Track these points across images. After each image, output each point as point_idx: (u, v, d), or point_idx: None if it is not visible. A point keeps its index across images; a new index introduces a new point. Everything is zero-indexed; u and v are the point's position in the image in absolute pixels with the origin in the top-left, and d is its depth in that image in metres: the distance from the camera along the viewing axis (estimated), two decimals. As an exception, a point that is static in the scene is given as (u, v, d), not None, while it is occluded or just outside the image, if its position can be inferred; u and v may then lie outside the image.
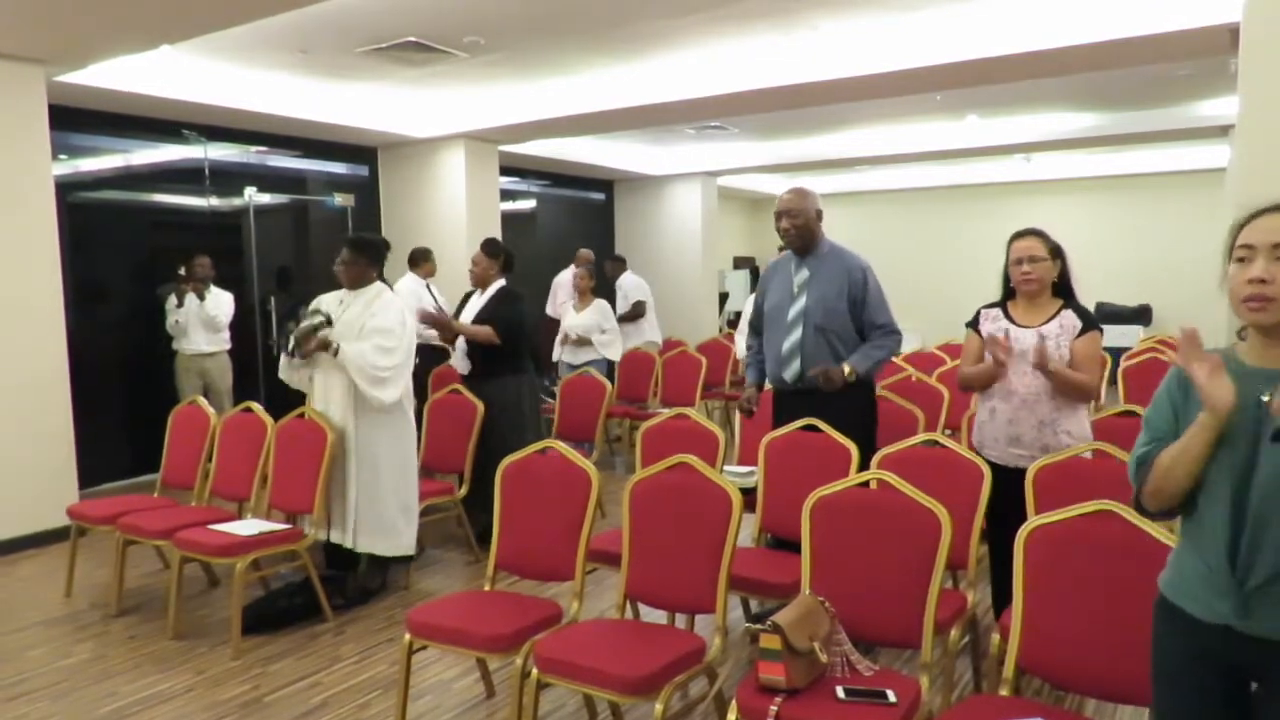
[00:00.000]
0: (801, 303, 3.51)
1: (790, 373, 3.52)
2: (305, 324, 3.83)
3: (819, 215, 3.55)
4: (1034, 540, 2.17)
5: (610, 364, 6.79)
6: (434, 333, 5.18)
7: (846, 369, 3.41)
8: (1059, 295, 3.06)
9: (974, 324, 3.15)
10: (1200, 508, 1.57)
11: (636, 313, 7.95)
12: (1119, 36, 5.09)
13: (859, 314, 3.50)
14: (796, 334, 3.50)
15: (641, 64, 6.37)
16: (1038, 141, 9.11)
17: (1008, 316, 3.08)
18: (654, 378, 7.08)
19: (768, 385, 3.76)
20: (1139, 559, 1.96)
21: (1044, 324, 2.99)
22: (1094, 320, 2.98)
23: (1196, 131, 8.51)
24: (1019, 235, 3.06)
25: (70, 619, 3.95)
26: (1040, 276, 2.99)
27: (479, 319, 4.73)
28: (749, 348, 3.87)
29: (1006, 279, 3.11)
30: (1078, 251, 3.25)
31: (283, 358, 4.00)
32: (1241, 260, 1.53)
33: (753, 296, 5.50)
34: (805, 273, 3.54)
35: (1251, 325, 1.54)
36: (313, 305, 4.01)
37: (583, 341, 6.66)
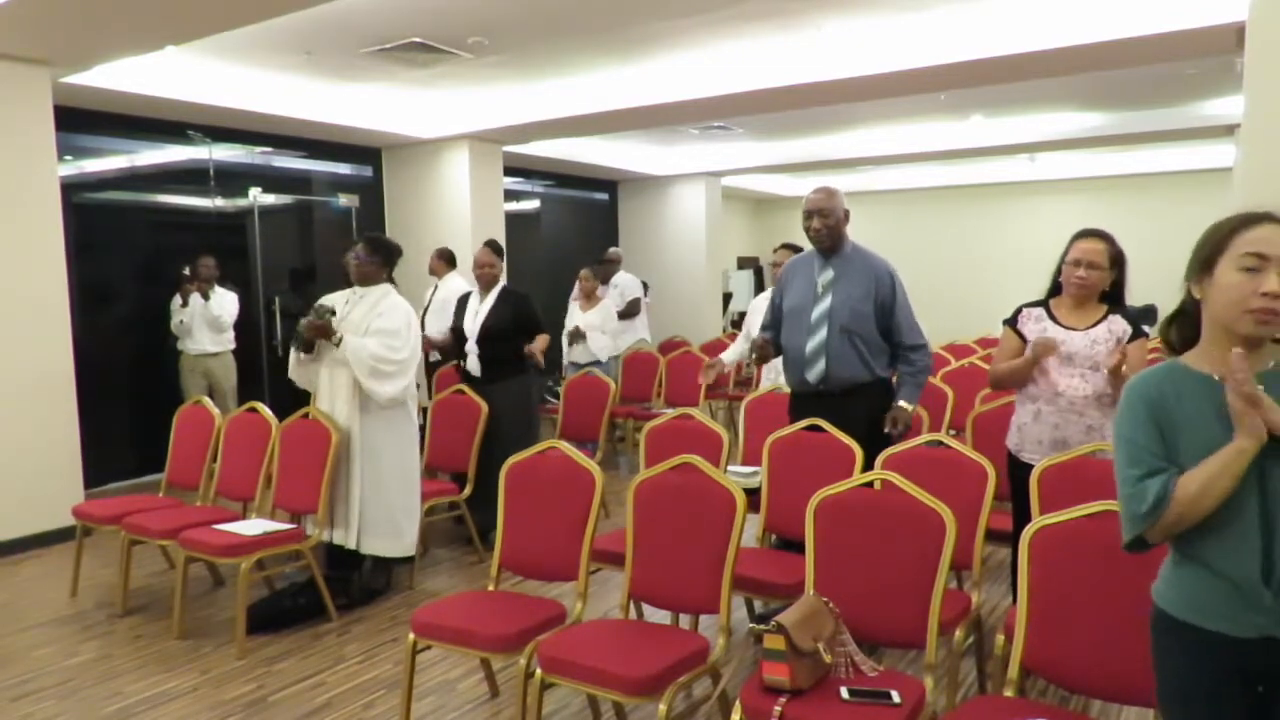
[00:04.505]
0: (826, 303, 3.44)
1: (814, 374, 3.43)
2: (310, 318, 3.86)
3: (846, 215, 3.49)
4: (1038, 541, 2.16)
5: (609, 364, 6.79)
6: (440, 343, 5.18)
7: (907, 407, 3.40)
8: (1105, 301, 2.95)
9: (1012, 322, 3.05)
10: (1216, 524, 1.51)
11: (631, 311, 7.91)
12: (1124, 36, 5.08)
13: (885, 320, 3.44)
14: (821, 334, 3.42)
15: (645, 64, 6.36)
16: (1042, 141, 9.09)
17: (1051, 317, 2.97)
18: (657, 378, 7.08)
19: (786, 388, 3.72)
20: (1143, 559, 1.94)
21: (1091, 328, 2.91)
22: (1142, 328, 2.92)
23: (1202, 131, 8.48)
24: (1084, 235, 2.92)
25: (76, 619, 3.96)
26: (1093, 284, 2.89)
27: (494, 320, 4.74)
28: (763, 330, 3.76)
29: (1058, 273, 2.98)
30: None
31: (291, 356, 4.02)
32: (1251, 270, 1.49)
33: (758, 298, 5.50)
34: (830, 273, 3.47)
35: (1248, 336, 1.51)
36: (318, 304, 4.01)
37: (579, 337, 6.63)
